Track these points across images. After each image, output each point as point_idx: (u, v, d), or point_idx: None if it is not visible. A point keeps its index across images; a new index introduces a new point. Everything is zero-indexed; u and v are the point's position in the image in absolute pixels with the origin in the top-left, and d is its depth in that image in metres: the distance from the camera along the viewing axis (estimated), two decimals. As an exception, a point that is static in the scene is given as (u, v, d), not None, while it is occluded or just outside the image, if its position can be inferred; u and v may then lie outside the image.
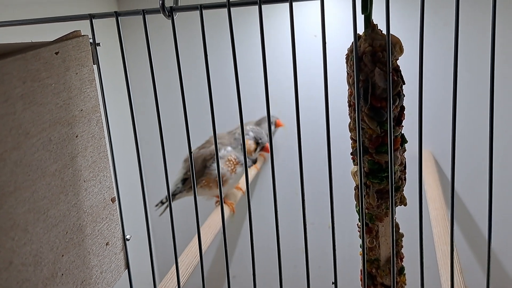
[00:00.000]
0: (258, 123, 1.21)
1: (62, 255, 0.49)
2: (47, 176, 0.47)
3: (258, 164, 1.28)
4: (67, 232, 0.50)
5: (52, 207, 0.47)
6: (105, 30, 1.08)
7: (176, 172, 1.07)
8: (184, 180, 1.04)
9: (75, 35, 0.52)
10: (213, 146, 1.05)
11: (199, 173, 1.02)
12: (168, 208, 0.59)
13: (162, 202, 1.09)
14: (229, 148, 1.02)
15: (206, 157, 1.01)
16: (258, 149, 1.03)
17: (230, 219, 1.30)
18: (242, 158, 1.03)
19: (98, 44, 0.56)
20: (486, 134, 0.51)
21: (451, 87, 0.47)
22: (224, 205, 1.07)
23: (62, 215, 0.49)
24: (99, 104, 0.56)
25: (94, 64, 0.55)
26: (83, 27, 0.56)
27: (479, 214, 1.20)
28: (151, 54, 0.55)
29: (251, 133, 1.05)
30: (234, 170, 1.01)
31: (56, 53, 0.48)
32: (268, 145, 1.02)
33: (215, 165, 1.02)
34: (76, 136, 0.51)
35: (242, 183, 1.16)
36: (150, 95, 1.24)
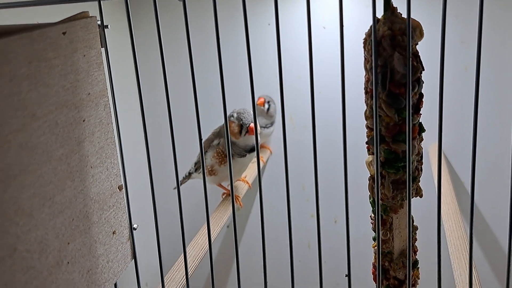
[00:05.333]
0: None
1: (68, 243, 0.47)
2: (53, 161, 0.45)
3: (264, 157, 1.26)
4: (73, 219, 0.48)
5: (58, 193, 0.46)
6: (111, 14, 1.06)
7: (184, 162, 1.06)
8: (195, 164, 1.08)
9: (83, 15, 0.50)
10: (208, 137, 1.04)
11: (199, 162, 1.04)
12: (177, 196, 0.57)
13: (185, 176, 1.09)
14: (215, 142, 1.01)
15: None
16: (243, 132, 0.99)
17: (236, 212, 1.29)
18: (233, 149, 1.00)
19: (106, 27, 0.54)
20: (498, 128, 0.49)
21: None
22: (230, 197, 1.05)
23: (68, 201, 0.47)
24: (106, 89, 0.54)
25: (102, 47, 0.54)
26: (89, 10, 0.54)
27: (488, 211, 1.18)
28: (161, 38, 0.53)
29: (235, 115, 1.01)
30: (223, 162, 1.00)
31: (64, 33, 0.47)
32: (252, 126, 0.98)
33: (206, 154, 1.01)
34: (83, 121, 0.50)
35: (248, 176, 1.14)
36: (157, 81, 1.22)
